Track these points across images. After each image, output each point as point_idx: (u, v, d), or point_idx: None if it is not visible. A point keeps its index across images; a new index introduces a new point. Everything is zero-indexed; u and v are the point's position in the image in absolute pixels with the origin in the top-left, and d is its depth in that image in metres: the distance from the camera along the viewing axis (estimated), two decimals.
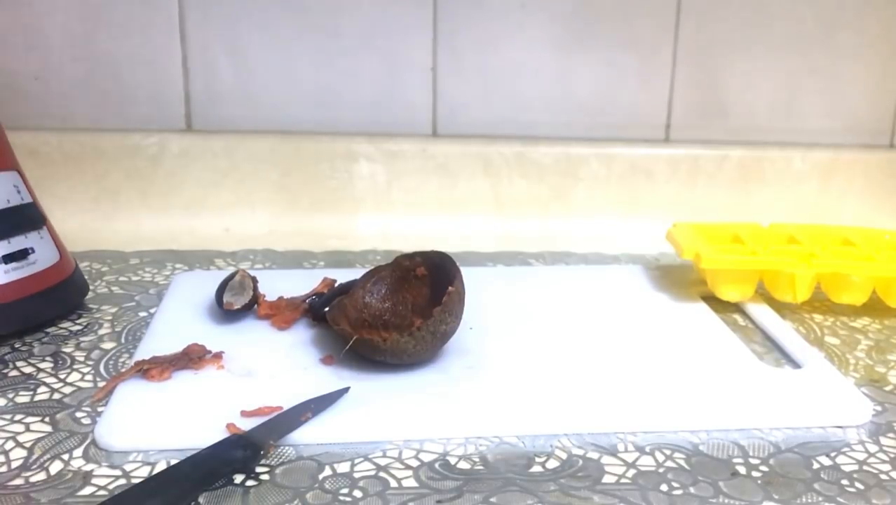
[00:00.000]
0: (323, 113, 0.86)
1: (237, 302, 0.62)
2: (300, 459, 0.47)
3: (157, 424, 0.49)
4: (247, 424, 0.47)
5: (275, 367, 0.56)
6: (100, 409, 0.51)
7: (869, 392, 0.56)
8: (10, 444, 0.47)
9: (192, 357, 0.55)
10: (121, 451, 0.47)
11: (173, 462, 0.45)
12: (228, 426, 0.47)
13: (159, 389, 0.52)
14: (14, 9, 0.81)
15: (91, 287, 0.68)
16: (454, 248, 0.77)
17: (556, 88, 0.87)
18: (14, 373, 0.55)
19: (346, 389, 0.52)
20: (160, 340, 0.58)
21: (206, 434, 0.46)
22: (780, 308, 0.68)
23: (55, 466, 0.45)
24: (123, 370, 0.55)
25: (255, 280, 0.64)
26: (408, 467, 0.46)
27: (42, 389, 0.53)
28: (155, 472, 0.45)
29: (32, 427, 0.49)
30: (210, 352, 0.56)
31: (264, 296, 0.64)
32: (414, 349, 0.54)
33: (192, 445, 0.46)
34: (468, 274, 0.57)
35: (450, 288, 0.54)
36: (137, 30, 0.82)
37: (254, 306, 0.63)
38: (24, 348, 0.58)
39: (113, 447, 0.47)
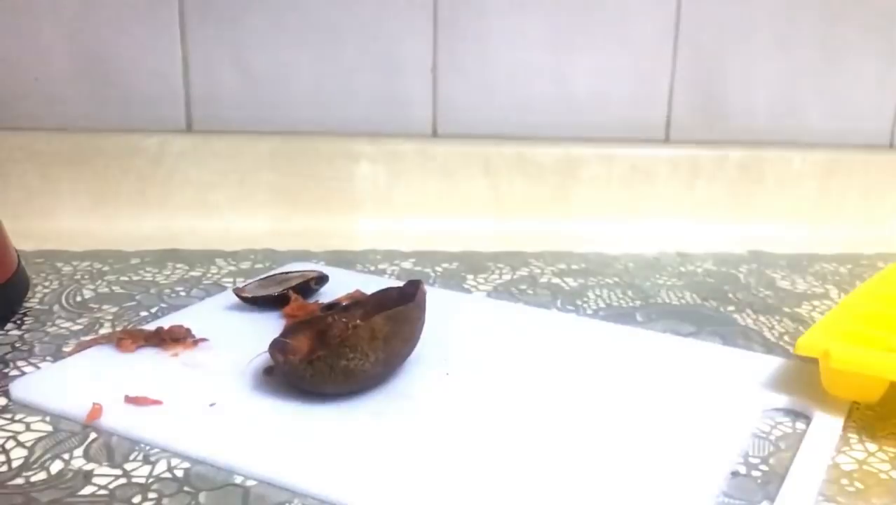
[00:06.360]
0: (323, 113, 0.86)
1: (251, 291, 0.61)
2: None
3: (63, 389, 0.51)
4: (125, 410, 0.48)
5: (228, 367, 0.53)
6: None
7: None
8: (11, 443, 0.47)
9: (165, 337, 0.55)
10: (27, 405, 0.49)
11: (174, 462, 0.45)
12: (94, 406, 0.48)
13: (110, 359, 0.54)
14: (14, 9, 0.81)
15: (92, 287, 0.68)
16: (454, 249, 0.77)
17: (555, 88, 0.87)
18: (14, 372, 0.55)
19: None
20: (188, 317, 0.60)
21: (88, 408, 0.48)
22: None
23: (55, 466, 0.45)
24: (101, 333, 0.57)
25: (312, 282, 0.63)
26: None
27: None
28: (155, 471, 0.45)
29: (33, 427, 0.49)
30: (193, 337, 0.56)
31: (299, 298, 0.62)
32: (311, 378, 0.49)
33: (70, 415, 0.48)
34: (471, 302, 0.54)
35: (358, 322, 0.51)
36: (138, 30, 0.82)
37: (279, 303, 0.61)
38: (24, 348, 0.58)
39: (21, 400, 0.50)
